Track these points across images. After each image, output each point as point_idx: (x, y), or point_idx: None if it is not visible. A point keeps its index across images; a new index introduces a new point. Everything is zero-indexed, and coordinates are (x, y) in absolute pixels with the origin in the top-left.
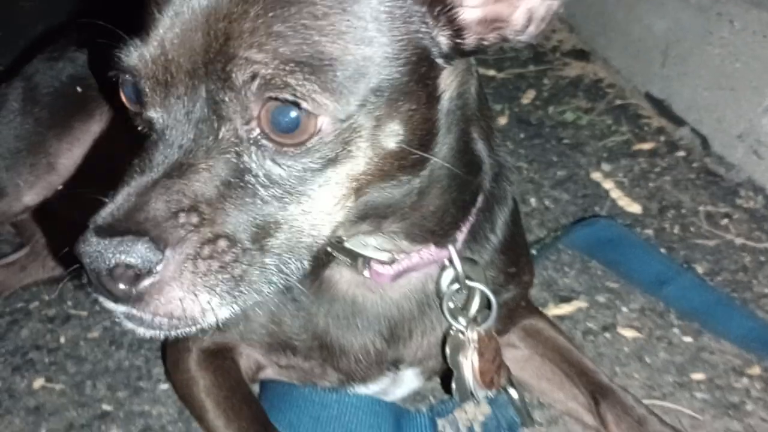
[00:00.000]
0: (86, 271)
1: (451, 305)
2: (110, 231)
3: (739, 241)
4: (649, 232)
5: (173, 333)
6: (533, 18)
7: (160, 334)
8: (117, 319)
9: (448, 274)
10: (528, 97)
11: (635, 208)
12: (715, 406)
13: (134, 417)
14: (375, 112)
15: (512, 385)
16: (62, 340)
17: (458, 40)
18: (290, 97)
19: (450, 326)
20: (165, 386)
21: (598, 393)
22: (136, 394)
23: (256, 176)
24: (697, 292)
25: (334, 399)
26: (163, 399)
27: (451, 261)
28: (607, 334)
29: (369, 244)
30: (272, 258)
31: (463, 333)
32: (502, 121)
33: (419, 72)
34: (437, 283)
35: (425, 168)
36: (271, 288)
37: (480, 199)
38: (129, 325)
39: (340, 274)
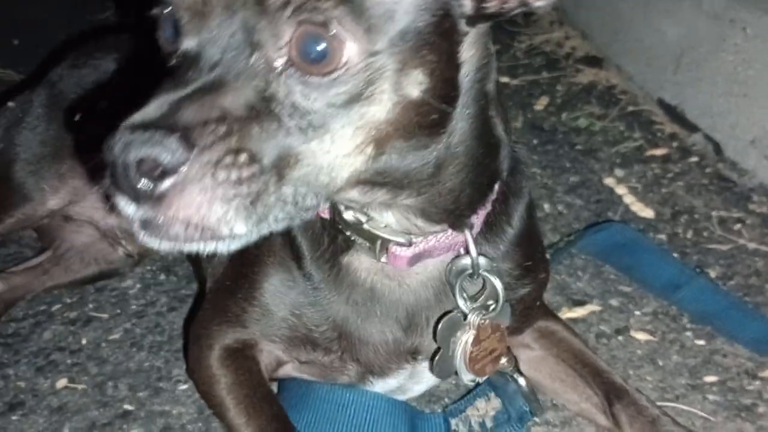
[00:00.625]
0: (112, 166)
1: (463, 291)
2: (142, 126)
3: (751, 245)
4: (662, 237)
5: (189, 246)
6: None
7: (176, 247)
8: (135, 230)
9: (463, 261)
10: (541, 103)
11: (648, 213)
12: (727, 408)
13: (155, 416)
14: (400, 55)
15: (520, 373)
16: (84, 341)
17: (481, 3)
18: (321, 19)
19: (456, 309)
20: (185, 386)
21: (612, 394)
22: (156, 395)
23: (282, 104)
24: (710, 296)
25: (351, 399)
26: (183, 399)
27: (467, 249)
28: (620, 337)
29: (387, 223)
30: (289, 188)
31: (465, 316)
32: (516, 126)
33: (443, 27)
34: (450, 267)
35: (443, 134)
36: (285, 217)
37: (496, 188)
38: (145, 236)
39: (358, 261)
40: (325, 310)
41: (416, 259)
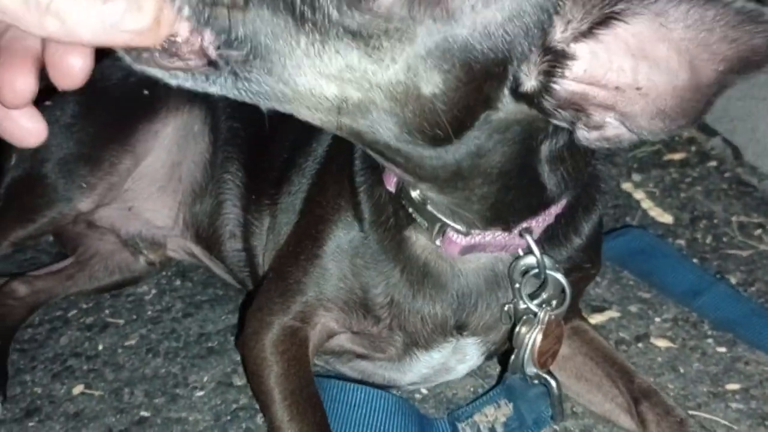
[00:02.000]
0: None
1: (525, 289)
2: None
3: None
4: (681, 242)
5: (173, 66)
6: (606, 130)
7: (164, 68)
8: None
9: (527, 260)
10: None
11: (667, 218)
12: (750, 416)
13: (171, 423)
14: (432, 46)
15: (552, 375)
16: (100, 347)
17: (545, 89)
18: None
19: (517, 305)
20: (201, 393)
21: (638, 393)
22: (173, 401)
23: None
24: (730, 302)
25: (362, 399)
26: (200, 406)
27: (530, 250)
28: (640, 344)
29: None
30: (247, 69)
31: (535, 314)
32: None
33: (492, 71)
34: (512, 268)
35: (441, 147)
36: (225, 82)
37: (561, 203)
38: (137, 65)
39: (416, 237)
40: (380, 274)
41: (469, 249)
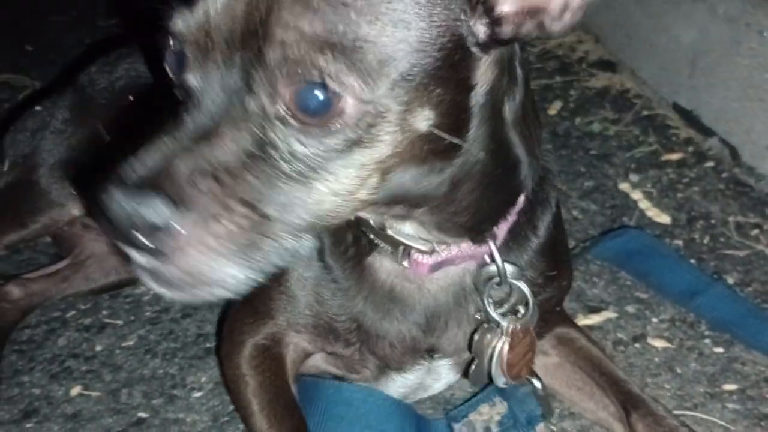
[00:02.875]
0: (109, 221)
1: (491, 299)
2: (130, 184)
3: None
4: (679, 242)
5: (195, 296)
6: (569, 6)
7: (182, 297)
8: (142, 279)
9: (489, 270)
10: (554, 108)
11: (664, 218)
12: (747, 416)
13: (169, 424)
14: (404, 96)
15: (536, 376)
16: (98, 348)
17: (495, 29)
18: (317, 78)
19: (486, 318)
20: (199, 394)
21: (629, 403)
22: (171, 402)
23: (279, 151)
24: (727, 303)
25: (360, 399)
26: (197, 407)
27: (492, 258)
28: (638, 345)
29: (408, 233)
30: (287, 231)
31: (498, 324)
32: None
33: (453, 59)
34: (476, 277)
35: (457, 157)
36: (283, 261)
37: (521, 200)
38: (150, 283)
39: (380, 263)
40: (344, 303)
41: (438, 266)
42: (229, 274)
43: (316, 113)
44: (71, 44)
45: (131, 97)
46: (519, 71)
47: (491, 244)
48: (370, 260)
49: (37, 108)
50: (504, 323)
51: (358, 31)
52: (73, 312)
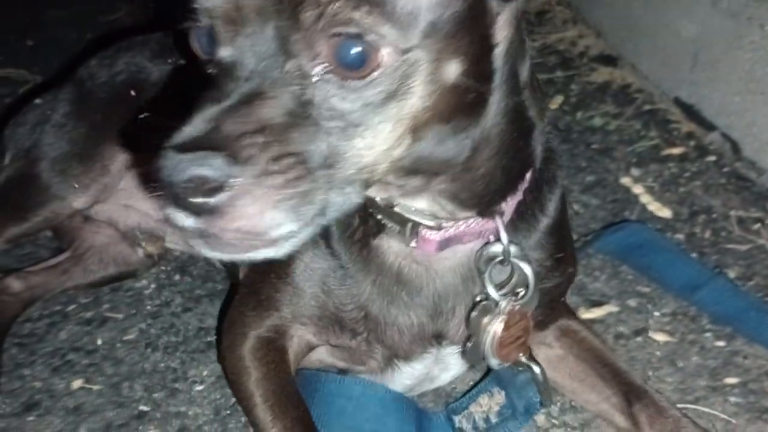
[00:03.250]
0: (163, 185)
1: (491, 278)
2: (188, 147)
3: None
4: (680, 236)
5: (244, 255)
6: None
7: (234, 256)
8: (190, 242)
9: (494, 248)
10: (556, 102)
11: (665, 212)
12: (748, 410)
13: (171, 417)
14: (435, 45)
15: (535, 361)
16: (99, 342)
17: None
18: (355, 31)
19: (485, 298)
20: (200, 387)
21: (631, 394)
22: (172, 396)
23: (319, 108)
24: (729, 297)
25: (360, 392)
26: (199, 400)
27: (497, 236)
28: (639, 338)
29: (417, 207)
30: (334, 185)
31: (496, 303)
32: None
33: (476, 10)
34: (478, 255)
35: (480, 115)
36: (332, 213)
37: (528, 177)
38: (201, 247)
39: (388, 245)
40: (351, 290)
41: (446, 243)
42: (283, 228)
43: (355, 66)
44: (72, 39)
45: (133, 92)
46: (524, 32)
47: (498, 220)
48: (377, 243)
49: (38, 101)
50: (502, 302)
51: None
52: (74, 305)
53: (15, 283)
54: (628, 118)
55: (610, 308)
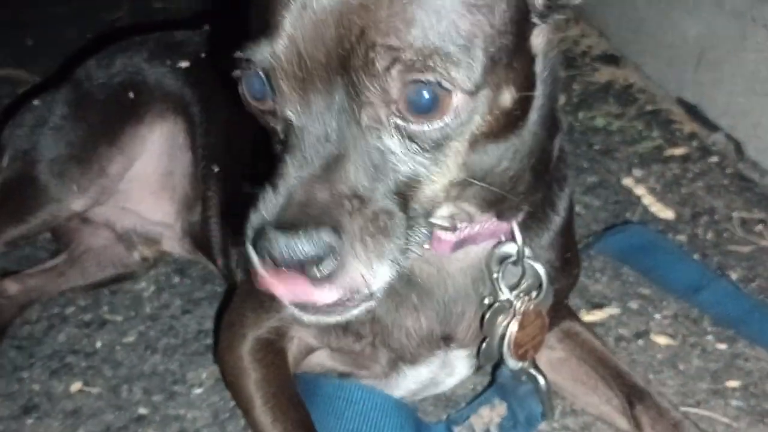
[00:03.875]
0: (272, 264)
1: (503, 278)
2: (290, 225)
3: None
4: (682, 238)
5: (345, 316)
6: None
7: (335, 318)
8: (292, 309)
9: (507, 248)
10: None
11: (668, 214)
12: (750, 413)
13: (170, 420)
14: (495, 79)
15: (540, 371)
16: (98, 344)
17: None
18: (432, 78)
19: (496, 296)
20: (199, 390)
21: (633, 396)
22: (171, 398)
23: (396, 155)
24: (731, 298)
25: (359, 397)
26: (198, 403)
27: (512, 235)
28: (640, 341)
29: (442, 214)
30: (414, 225)
31: (510, 303)
32: None
33: (524, 34)
34: (489, 256)
35: (524, 125)
36: (419, 249)
37: (538, 190)
38: (309, 317)
39: None
40: None
41: (460, 245)
42: (383, 280)
43: (427, 111)
44: (72, 38)
45: (131, 95)
46: (555, 34)
47: (513, 222)
48: None
49: (35, 102)
50: (516, 302)
51: (459, 27)
52: (72, 308)
53: (11, 286)
54: (631, 118)
55: (611, 310)
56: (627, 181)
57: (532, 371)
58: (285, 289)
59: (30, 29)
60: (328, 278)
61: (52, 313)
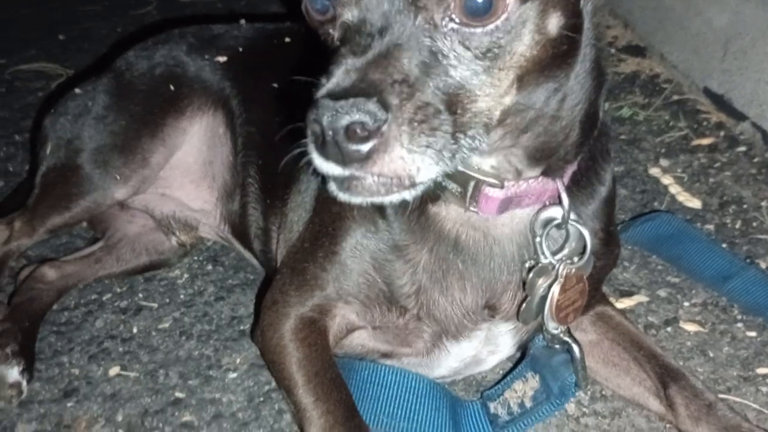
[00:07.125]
0: (318, 133)
1: (545, 242)
2: (341, 95)
3: None
4: (710, 227)
5: (384, 198)
6: None
7: (373, 199)
8: (336, 191)
9: (551, 212)
10: None
11: (695, 203)
12: None
13: (206, 404)
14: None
15: (575, 340)
16: (135, 330)
17: None
18: None
19: (537, 260)
20: (234, 375)
21: (667, 376)
22: (206, 383)
23: (448, 57)
24: (760, 287)
25: (394, 380)
26: (233, 387)
27: (558, 199)
28: (669, 329)
29: (484, 167)
30: (462, 132)
31: (553, 266)
32: None
33: None
34: (536, 217)
35: (571, 66)
36: (460, 159)
37: (585, 147)
38: (345, 194)
39: (446, 212)
40: (406, 262)
41: (506, 204)
42: (427, 173)
43: (482, 13)
44: (103, 33)
45: (171, 87)
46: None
47: (558, 182)
48: (435, 210)
49: (77, 91)
50: (559, 265)
51: None
52: (109, 295)
53: (50, 272)
54: (657, 108)
55: (640, 298)
56: (654, 171)
57: (567, 339)
58: (330, 163)
59: (61, 25)
60: (372, 156)
61: (90, 299)
